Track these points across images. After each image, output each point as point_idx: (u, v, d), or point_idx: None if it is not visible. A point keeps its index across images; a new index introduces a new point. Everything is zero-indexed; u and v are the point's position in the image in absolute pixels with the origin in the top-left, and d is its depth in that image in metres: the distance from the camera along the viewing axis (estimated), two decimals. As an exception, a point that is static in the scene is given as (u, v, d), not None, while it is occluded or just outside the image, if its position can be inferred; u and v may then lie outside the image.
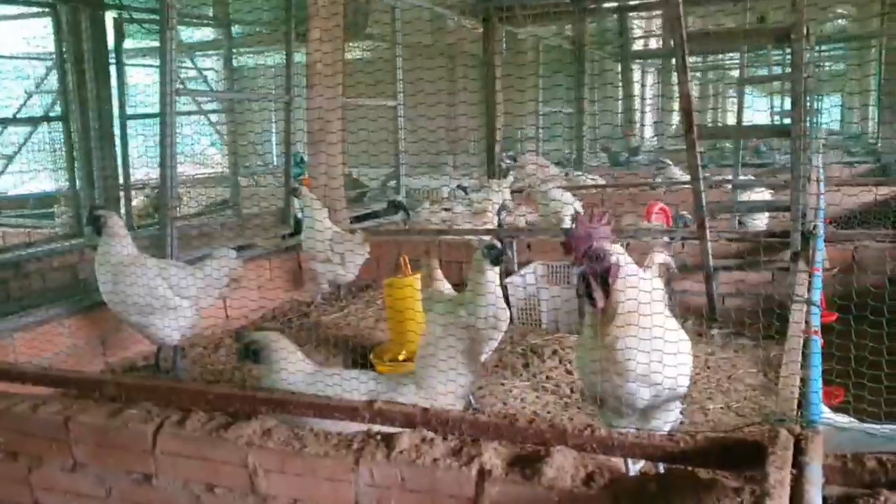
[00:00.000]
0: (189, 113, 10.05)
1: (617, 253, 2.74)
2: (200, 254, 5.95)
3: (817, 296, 3.80)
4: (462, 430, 2.48)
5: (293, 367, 3.29)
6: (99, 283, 4.62)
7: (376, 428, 2.56)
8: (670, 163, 11.86)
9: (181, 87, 6.18)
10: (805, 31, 4.03)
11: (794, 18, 4.08)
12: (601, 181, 11.41)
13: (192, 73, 12.55)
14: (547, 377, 4.76)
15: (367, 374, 3.41)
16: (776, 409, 2.39)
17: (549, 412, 4.23)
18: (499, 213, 7.05)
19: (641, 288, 2.74)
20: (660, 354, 2.70)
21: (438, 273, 4.72)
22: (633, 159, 14.90)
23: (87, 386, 3.07)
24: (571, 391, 4.52)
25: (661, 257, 3.46)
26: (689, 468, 2.20)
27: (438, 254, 6.41)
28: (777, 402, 2.45)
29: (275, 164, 13.90)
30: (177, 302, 4.61)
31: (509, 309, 5.16)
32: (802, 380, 2.65)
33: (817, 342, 3.07)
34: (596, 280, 2.71)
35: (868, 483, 2.09)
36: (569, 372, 4.83)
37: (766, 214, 7.70)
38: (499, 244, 4.42)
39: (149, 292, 4.47)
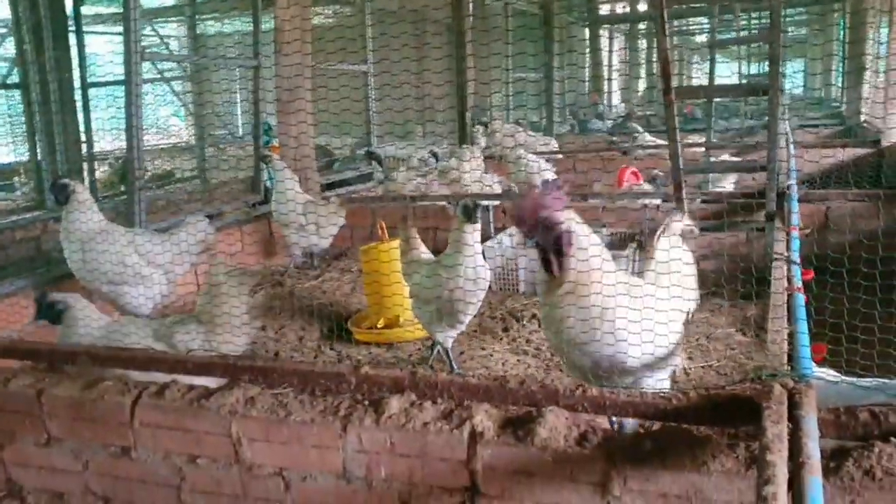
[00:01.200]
0: (152, 80, 9.80)
1: (569, 220, 2.60)
2: (168, 224, 5.83)
3: (796, 255, 3.82)
4: (451, 393, 2.44)
5: (92, 323, 3.48)
6: (66, 254, 4.49)
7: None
8: (641, 130, 11.87)
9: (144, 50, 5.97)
10: (784, -12, 4.00)
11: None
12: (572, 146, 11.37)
13: (154, 40, 12.26)
14: (527, 341, 4.74)
15: (151, 321, 3.78)
16: (767, 364, 2.37)
17: (532, 375, 4.21)
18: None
19: (592, 253, 2.61)
20: (606, 323, 2.57)
21: (417, 239, 4.65)
22: (600, 125, 14.88)
23: (60, 357, 2.97)
24: (552, 354, 4.50)
25: (678, 226, 3.24)
26: (683, 425, 2.19)
27: (415, 220, 6.34)
28: (767, 358, 2.44)
29: (240, 132, 13.69)
30: (148, 271, 4.50)
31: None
32: (790, 335, 2.65)
33: (801, 298, 3.07)
34: (550, 249, 2.60)
35: (861, 435, 2.08)
36: (548, 336, 4.82)
37: (733, 179, 7.71)
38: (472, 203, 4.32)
39: (119, 261, 4.35)
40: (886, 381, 2.46)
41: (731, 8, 9.42)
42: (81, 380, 2.73)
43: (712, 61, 8.32)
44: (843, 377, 2.50)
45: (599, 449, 2.15)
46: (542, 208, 2.56)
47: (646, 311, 2.64)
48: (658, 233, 3.14)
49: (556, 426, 2.22)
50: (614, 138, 12.37)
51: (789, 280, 3.39)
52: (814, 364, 2.53)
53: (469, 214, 4.13)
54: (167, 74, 10.89)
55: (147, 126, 6.70)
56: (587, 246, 2.62)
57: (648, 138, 10.91)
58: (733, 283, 5.12)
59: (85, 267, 4.40)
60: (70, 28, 7.59)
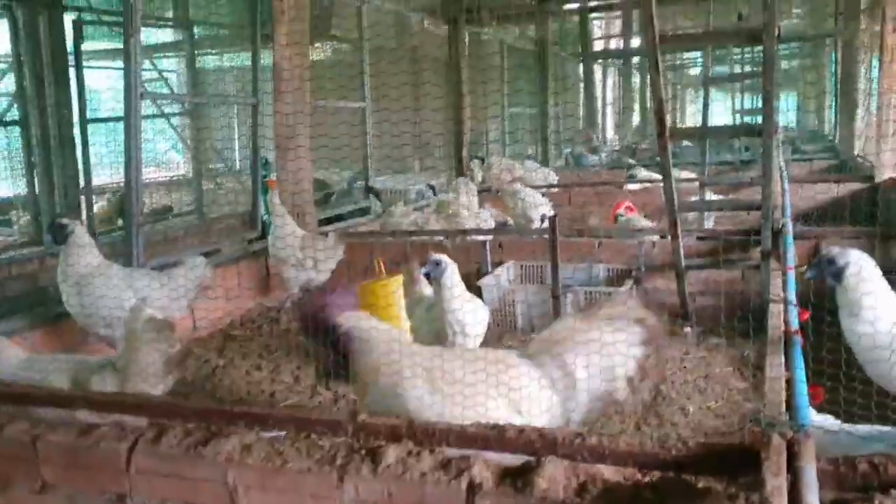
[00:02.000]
0: (152, 116, 9.86)
1: (352, 320, 2.84)
2: (166, 260, 5.82)
3: (793, 295, 3.82)
4: (449, 442, 2.43)
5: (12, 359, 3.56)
6: (63, 296, 4.47)
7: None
8: (635, 163, 11.95)
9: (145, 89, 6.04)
10: (777, 30, 4.05)
11: (766, 18, 4.09)
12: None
13: (153, 74, 12.34)
14: (524, 380, 4.73)
15: (71, 359, 3.75)
16: (765, 413, 2.37)
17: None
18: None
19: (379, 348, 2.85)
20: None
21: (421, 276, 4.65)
22: (595, 159, 14.98)
23: (56, 402, 2.96)
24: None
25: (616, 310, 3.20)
26: (683, 476, 2.18)
27: (413, 255, 6.35)
28: (766, 406, 2.43)
29: (237, 167, 13.74)
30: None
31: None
32: (787, 381, 2.64)
33: (798, 341, 3.07)
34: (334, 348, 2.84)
35: (861, 487, 2.07)
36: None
37: (713, 215, 7.72)
38: (436, 260, 4.35)
39: (117, 305, 4.33)
40: (885, 429, 2.45)
41: (733, 44, 9.52)
42: (77, 426, 2.71)
43: (706, 96, 8.39)
44: (842, 425, 2.50)
45: (599, 500, 2.13)
46: (325, 311, 2.83)
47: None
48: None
49: (555, 477, 2.21)
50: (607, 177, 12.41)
51: (786, 322, 3.39)
52: (812, 411, 2.53)
53: (427, 276, 4.32)
54: (166, 110, 10.96)
55: (146, 161, 6.73)
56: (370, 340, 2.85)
57: (644, 173, 10.99)
58: (729, 321, 5.15)
59: (83, 311, 4.38)
60: (70, 64, 7.64)
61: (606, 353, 2.92)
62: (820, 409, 2.77)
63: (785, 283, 4.10)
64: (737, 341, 5.01)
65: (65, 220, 4.52)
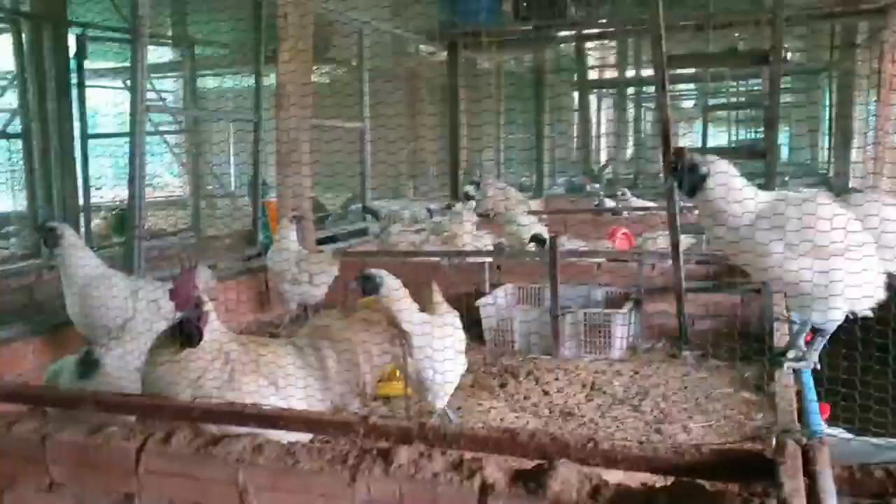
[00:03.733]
0: (152, 133, 9.89)
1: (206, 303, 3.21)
2: (167, 274, 5.80)
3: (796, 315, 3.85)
4: (461, 444, 2.43)
5: None
6: (67, 304, 4.44)
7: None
8: (628, 191, 12.02)
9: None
10: (784, 55, 4.12)
11: (774, 40, 4.16)
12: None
13: (151, 95, 12.38)
14: (525, 397, 4.74)
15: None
16: (777, 422, 2.38)
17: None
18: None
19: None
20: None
21: (438, 296, 4.47)
22: (595, 187, 15.06)
23: (64, 403, 2.94)
24: (550, 411, 4.49)
25: None
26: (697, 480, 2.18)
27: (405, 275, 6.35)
28: (778, 416, 2.45)
29: (233, 186, 13.77)
30: (151, 324, 4.44)
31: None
32: (797, 393, 2.66)
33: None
34: (193, 324, 3.13)
35: (877, 493, 2.08)
36: (546, 392, 4.81)
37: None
38: (366, 275, 3.87)
39: (121, 312, 4.30)
40: (896, 439, 2.47)
41: (723, 74, 9.65)
42: (86, 425, 2.69)
43: (705, 126, 8.49)
44: (855, 435, 2.51)
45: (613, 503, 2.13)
46: (194, 289, 3.17)
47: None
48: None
49: (568, 479, 2.21)
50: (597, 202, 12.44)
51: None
52: (824, 423, 2.54)
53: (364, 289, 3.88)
54: (163, 128, 11.00)
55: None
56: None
57: (636, 202, 11.05)
58: (728, 343, 5.16)
59: (84, 319, 4.34)
60: (72, 82, 7.67)
61: (357, 350, 3.60)
62: (829, 424, 2.79)
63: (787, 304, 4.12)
64: (737, 364, 5.02)
65: (52, 223, 4.47)
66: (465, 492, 2.25)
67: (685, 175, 3.15)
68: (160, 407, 2.80)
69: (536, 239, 7.25)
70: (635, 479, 2.33)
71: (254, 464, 2.45)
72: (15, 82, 7.73)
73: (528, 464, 2.35)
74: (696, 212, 3.40)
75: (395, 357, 3.82)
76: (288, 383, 3.32)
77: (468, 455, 2.38)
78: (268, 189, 8.46)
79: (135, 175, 5.62)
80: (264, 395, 3.17)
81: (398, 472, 2.32)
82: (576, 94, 17.42)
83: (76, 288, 4.35)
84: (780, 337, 3.47)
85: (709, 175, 3.10)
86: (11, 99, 8.30)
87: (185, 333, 3.10)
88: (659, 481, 2.31)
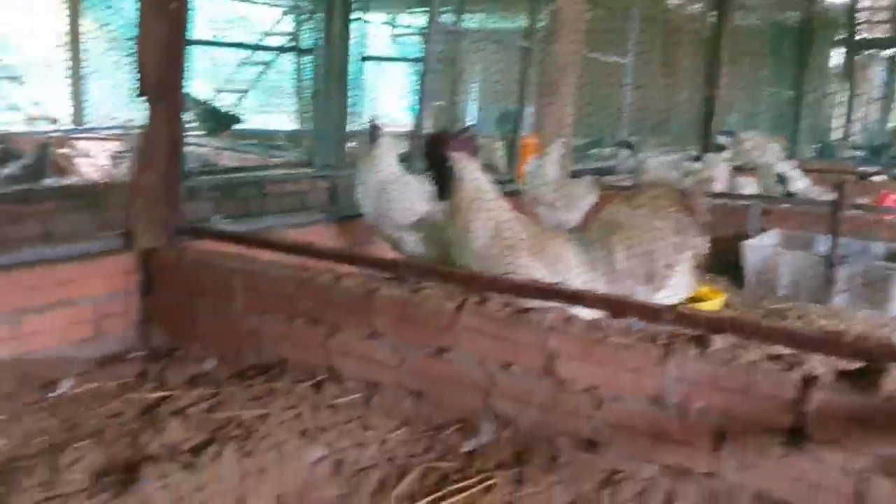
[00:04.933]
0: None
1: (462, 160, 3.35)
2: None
3: None
4: (779, 340, 2.39)
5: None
6: (358, 195, 4.80)
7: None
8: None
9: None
10: None
11: None
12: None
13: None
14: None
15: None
16: None
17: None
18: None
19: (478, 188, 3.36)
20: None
21: None
22: (852, 153, 13.93)
23: (381, 266, 3.23)
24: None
25: None
26: None
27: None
28: None
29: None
30: None
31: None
32: None
33: None
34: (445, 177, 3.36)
35: None
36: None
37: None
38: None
39: (409, 210, 4.56)
40: None
41: None
42: (407, 285, 2.95)
43: None
44: None
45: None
46: (446, 146, 3.47)
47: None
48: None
49: (902, 381, 2.13)
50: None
51: None
52: None
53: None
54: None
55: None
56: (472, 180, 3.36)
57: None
58: None
59: (376, 212, 4.67)
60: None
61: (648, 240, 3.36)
62: None
63: None
64: None
65: (379, 123, 4.85)
66: (785, 380, 2.23)
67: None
68: (471, 276, 3.00)
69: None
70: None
71: (565, 332, 2.57)
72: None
73: (851, 367, 2.28)
74: None
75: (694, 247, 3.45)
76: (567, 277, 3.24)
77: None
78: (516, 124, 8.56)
79: (423, 101, 5.86)
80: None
81: (714, 356, 2.35)
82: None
83: (372, 184, 4.68)
84: None
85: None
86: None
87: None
88: None
